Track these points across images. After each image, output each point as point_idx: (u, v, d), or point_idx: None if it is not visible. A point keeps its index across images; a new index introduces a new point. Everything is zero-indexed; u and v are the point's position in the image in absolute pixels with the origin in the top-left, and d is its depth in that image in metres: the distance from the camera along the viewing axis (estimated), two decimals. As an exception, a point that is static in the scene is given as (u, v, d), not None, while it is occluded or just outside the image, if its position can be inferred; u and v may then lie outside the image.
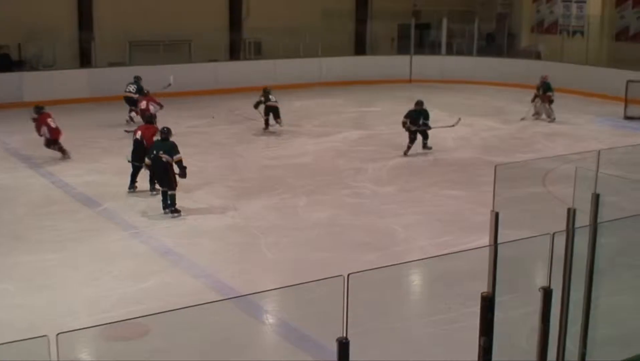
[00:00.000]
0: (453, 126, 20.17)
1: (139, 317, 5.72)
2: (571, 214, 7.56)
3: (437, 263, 10.04)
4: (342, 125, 22.67)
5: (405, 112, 18.93)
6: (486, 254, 6.84)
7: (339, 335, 5.28)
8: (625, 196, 13.27)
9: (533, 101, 23.87)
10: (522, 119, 23.61)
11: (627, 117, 24.05)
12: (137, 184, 15.56)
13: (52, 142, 17.97)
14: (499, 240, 7.28)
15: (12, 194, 15.48)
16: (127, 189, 15.49)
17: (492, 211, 7.61)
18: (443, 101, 26.75)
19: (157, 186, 14.81)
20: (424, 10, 35.35)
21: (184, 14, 29.08)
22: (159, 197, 14.45)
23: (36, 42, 27.06)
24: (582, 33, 32.78)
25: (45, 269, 11.50)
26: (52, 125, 17.90)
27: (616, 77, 26.05)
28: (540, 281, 6.72)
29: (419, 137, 18.93)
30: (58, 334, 4.58)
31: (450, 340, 9.28)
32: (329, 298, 5.38)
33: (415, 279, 11.17)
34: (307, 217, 14.13)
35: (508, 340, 7.11)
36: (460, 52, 33.84)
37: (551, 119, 23.52)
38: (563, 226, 7.52)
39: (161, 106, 20.29)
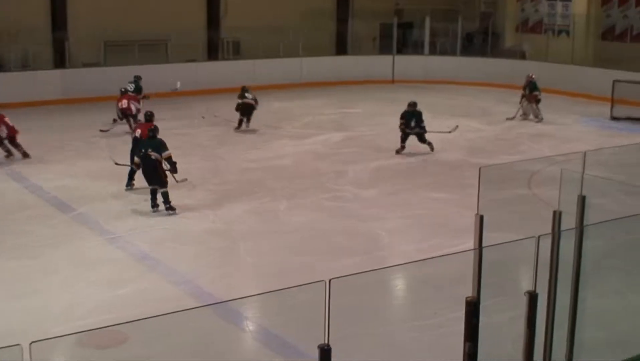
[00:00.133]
0: (450, 132, 20.10)
1: (117, 324, 5.70)
2: (557, 216, 7.61)
3: (421, 267, 10.04)
4: (323, 127, 22.68)
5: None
6: (471, 258, 6.87)
7: (321, 341, 5.29)
8: (611, 198, 13.36)
9: (521, 101, 23.98)
10: (508, 119, 23.72)
11: (613, 118, 24.18)
12: (134, 182, 15.66)
13: (10, 140, 18.04)
14: (484, 243, 7.32)
15: (-16, 199, 15.41)
16: (124, 187, 15.70)
17: (477, 214, 7.65)
18: (426, 102, 26.70)
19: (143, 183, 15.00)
20: (406, 9, 35.41)
21: (161, 13, 29.01)
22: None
23: (8, 42, 26.93)
24: (567, 32, 32.95)
25: (19, 275, 11.44)
26: (10, 123, 18.02)
27: (602, 77, 26.16)
28: (526, 285, 6.75)
29: (415, 139, 19.01)
30: (32, 343, 4.56)
31: (435, 346, 9.30)
32: (311, 303, 5.39)
33: (399, 284, 11.19)
34: (287, 221, 14.13)
35: (493, 345, 7.14)
36: (443, 52, 33.94)
37: (538, 119, 23.63)
38: (549, 229, 7.56)
39: (140, 104, 20.84)
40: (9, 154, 18.17)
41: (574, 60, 30.23)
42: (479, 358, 6.42)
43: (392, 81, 31.92)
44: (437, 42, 34.22)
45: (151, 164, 14.52)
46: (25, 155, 18.24)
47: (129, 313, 9.59)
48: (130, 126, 21.13)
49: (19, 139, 18.23)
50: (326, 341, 5.28)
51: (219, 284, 11.16)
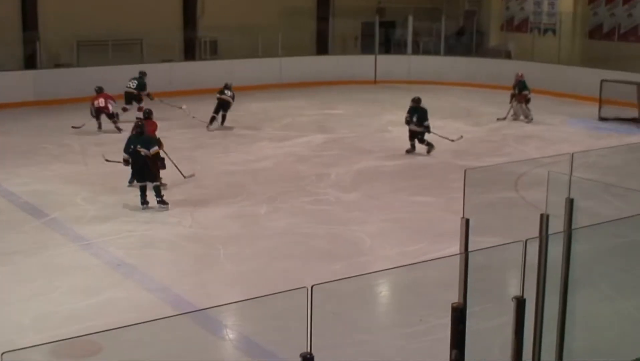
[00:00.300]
0: (453, 140, 20.09)
1: (91, 334, 5.68)
2: (544, 220, 7.63)
3: (405, 273, 10.07)
4: (304, 128, 22.68)
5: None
6: (457, 262, 6.88)
7: (303, 350, 5.28)
8: (600, 200, 13.40)
9: (511, 101, 24.06)
10: (499, 119, 23.80)
11: (601, 119, 24.29)
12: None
13: None
14: (470, 248, 7.33)
15: (-48, 205, 15.32)
16: (126, 183, 15.85)
17: (463, 217, 7.66)
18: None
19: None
20: (388, 7, 35.45)
21: (135, 12, 28.91)
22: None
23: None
24: (553, 31, 33.07)
25: (-11, 284, 11.39)
26: None
27: (590, 77, 26.30)
28: (513, 290, 6.76)
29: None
30: (3, 353, 4.53)
31: (420, 353, 9.30)
32: (292, 311, 5.39)
33: (383, 290, 11.19)
34: (268, 226, 14.11)
35: (480, 353, 7.15)
36: (427, 52, 34.02)
37: (528, 119, 23.74)
38: (536, 233, 7.58)
39: (114, 103, 21.44)
40: None
41: (561, 59, 30.36)
42: (465, 366, 6.43)
43: (375, 82, 31.95)
44: (421, 42, 34.30)
45: (141, 160, 14.85)
46: None
47: (103, 322, 9.55)
48: (100, 125, 21.59)
49: None
50: (309, 350, 5.27)
51: (197, 292, 11.12)
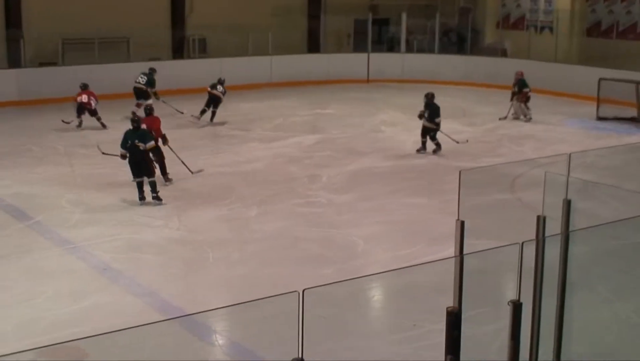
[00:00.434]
0: (458, 142, 20.12)
1: (76, 340, 5.66)
2: (541, 222, 7.64)
3: (399, 277, 10.07)
4: (295, 129, 22.68)
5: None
6: (452, 266, 6.89)
7: (294, 355, 5.28)
8: (598, 202, 13.42)
9: (511, 99, 24.10)
10: (501, 119, 23.84)
11: (599, 118, 24.34)
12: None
13: None
14: (465, 251, 7.34)
15: None
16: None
17: (458, 219, 7.67)
18: (403, 102, 26.88)
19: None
20: (381, 4, 35.50)
21: (122, 9, 28.91)
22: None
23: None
24: (550, 28, 33.14)
25: (-29, 289, 11.36)
26: None
27: (588, 75, 26.33)
28: (509, 294, 6.77)
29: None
30: (-15, 361, 4.53)
31: (414, 359, 9.30)
32: (283, 315, 5.38)
33: (376, 294, 11.20)
34: (258, 229, 14.10)
35: (476, 358, 7.16)
36: (421, 50, 34.01)
37: (527, 118, 23.79)
38: (533, 235, 7.59)
39: (97, 101, 21.80)
40: None
41: (558, 58, 30.43)
42: (460, 372, 6.44)
43: (367, 81, 31.98)
44: (414, 40, 34.31)
45: (140, 154, 15.26)
46: None
47: (89, 328, 9.54)
48: (80, 123, 21.83)
49: None
50: (300, 356, 5.28)
51: (186, 296, 11.11)
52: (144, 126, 16.18)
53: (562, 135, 22.27)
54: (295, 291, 5.17)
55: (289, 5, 33.32)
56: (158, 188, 15.43)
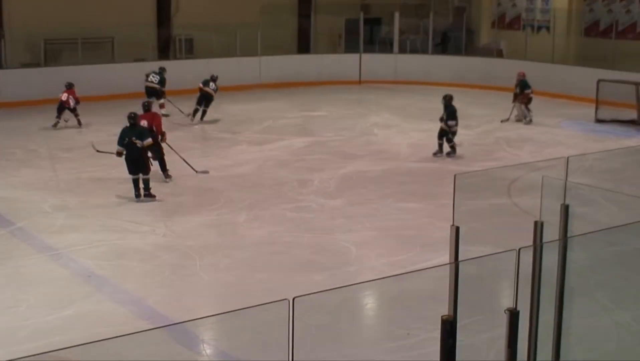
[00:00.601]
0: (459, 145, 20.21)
1: (59, 350, 5.65)
2: (538, 227, 7.66)
3: (393, 284, 10.07)
4: (285, 131, 22.68)
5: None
6: (446, 273, 6.89)
7: (285, 365, 5.28)
8: (597, 207, 13.46)
9: (513, 101, 24.13)
10: (503, 121, 23.86)
11: (598, 120, 24.37)
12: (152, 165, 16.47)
13: None
14: (460, 257, 7.35)
15: None
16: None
17: (452, 225, 7.68)
18: (396, 104, 26.95)
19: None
20: (373, 3, 35.52)
21: (106, 9, 28.85)
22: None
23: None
24: (547, 28, 33.21)
25: (-50, 297, 11.33)
26: None
27: (586, 77, 26.39)
28: (506, 301, 6.78)
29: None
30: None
31: (408, 369, 9.32)
32: (273, 324, 5.38)
33: (369, 302, 11.20)
34: (247, 234, 14.09)
35: (472, 368, 7.17)
36: (414, 50, 34.04)
37: (527, 120, 23.82)
38: (530, 241, 7.61)
39: (78, 102, 22.23)
40: None
41: (555, 58, 30.48)
42: (456, 382, 6.44)
43: (359, 82, 32.00)
44: (408, 40, 34.34)
45: (137, 151, 15.63)
46: None
47: (73, 337, 9.53)
48: (56, 123, 22.18)
49: None
50: (290, 366, 5.28)
51: (173, 305, 11.09)
52: (144, 122, 16.48)
53: (559, 138, 22.31)
54: (286, 299, 5.17)
55: (278, 4, 33.31)
56: (155, 184, 15.74)
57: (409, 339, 9.86)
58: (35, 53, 28.33)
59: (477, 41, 35.65)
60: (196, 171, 17.51)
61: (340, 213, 15.28)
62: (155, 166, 16.65)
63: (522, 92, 23.96)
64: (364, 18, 33.21)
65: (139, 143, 15.60)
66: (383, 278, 10.84)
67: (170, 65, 27.52)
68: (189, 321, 9.50)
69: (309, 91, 29.80)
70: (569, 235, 7.86)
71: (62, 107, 22.13)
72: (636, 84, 24.34)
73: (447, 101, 19.71)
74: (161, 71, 24.23)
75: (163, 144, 17.19)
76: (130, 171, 15.74)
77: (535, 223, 7.69)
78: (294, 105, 27.22)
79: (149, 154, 16.21)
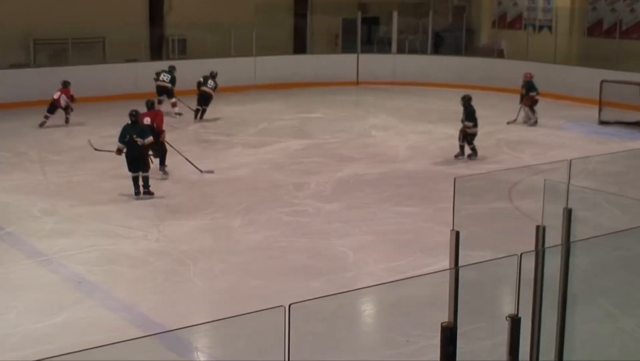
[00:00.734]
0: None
1: (48, 358, 5.64)
2: (540, 232, 7.67)
3: (391, 290, 10.08)
4: (281, 134, 22.69)
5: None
6: (446, 278, 6.90)
7: (281, 373, 5.29)
8: (600, 210, 13.47)
9: (520, 103, 24.12)
10: (509, 123, 23.84)
11: (601, 122, 24.38)
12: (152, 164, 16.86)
13: None
14: (460, 262, 7.35)
15: None
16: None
17: (452, 229, 7.68)
18: (395, 105, 26.96)
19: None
20: (371, 2, 35.55)
21: (97, 8, 28.83)
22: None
23: None
24: (549, 28, 33.24)
25: (-63, 304, 11.32)
26: None
27: (589, 77, 26.41)
28: (507, 308, 6.79)
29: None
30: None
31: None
32: (268, 331, 5.38)
33: (367, 308, 11.20)
34: (242, 239, 14.09)
35: (472, 376, 7.18)
36: (413, 50, 34.04)
37: (531, 122, 23.82)
38: (531, 246, 7.61)
39: (73, 100, 22.63)
40: None
41: (557, 58, 30.48)
42: (456, 390, 6.45)
43: (357, 83, 32.02)
44: (406, 40, 34.34)
45: (138, 149, 16.00)
46: None
47: (63, 344, 9.52)
48: (43, 123, 22.48)
49: None
50: (286, 374, 5.28)
51: (165, 311, 11.08)
52: (147, 120, 16.83)
53: (562, 140, 22.32)
54: (282, 305, 5.17)
55: (273, 3, 33.32)
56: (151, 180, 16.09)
57: (408, 346, 9.86)
58: (24, 53, 28.32)
59: (477, 41, 35.68)
60: (201, 171, 17.73)
61: (337, 217, 15.28)
62: (155, 163, 17.02)
63: (527, 94, 23.94)
64: (361, 17, 33.26)
65: (139, 141, 15.93)
66: (381, 283, 10.84)
67: (162, 66, 27.50)
68: (182, 328, 9.49)
69: (305, 92, 29.80)
70: (571, 240, 7.86)
71: (53, 105, 22.41)
72: (640, 84, 24.37)
73: (466, 101, 19.77)
74: (171, 70, 24.71)
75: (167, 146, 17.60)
76: (130, 169, 16.03)
77: (537, 227, 7.70)
78: (289, 106, 27.22)
79: (150, 152, 16.50)
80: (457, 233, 7.60)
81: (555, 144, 21.57)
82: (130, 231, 14.41)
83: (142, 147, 16.04)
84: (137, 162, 15.99)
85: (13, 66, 27.51)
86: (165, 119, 18.63)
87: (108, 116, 23.75)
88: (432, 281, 8.08)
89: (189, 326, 9.73)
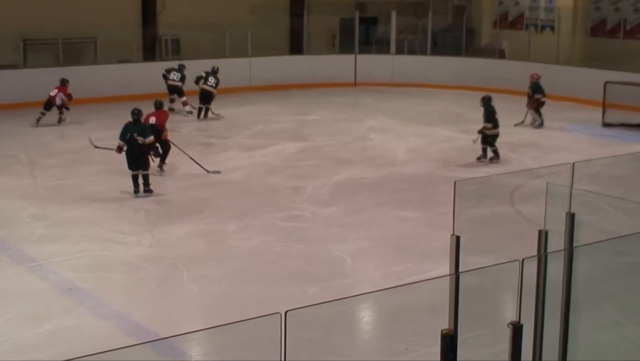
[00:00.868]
0: (474, 141, 20.20)
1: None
2: (543, 236, 7.67)
3: (390, 296, 10.06)
4: (277, 136, 22.68)
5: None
6: (446, 284, 6.89)
7: (277, 382, 5.28)
8: (604, 214, 13.47)
9: (527, 104, 24.13)
10: (517, 125, 23.83)
11: (605, 125, 24.40)
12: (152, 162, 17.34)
13: None
14: (461, 268, 7.35)
15: None
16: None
17: (453, 234, 7.68)
18: (393, 107, 26.95)
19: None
20: (369, 2, 35.58)
21: (88, 7, 28.84)
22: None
23: None
24: (552, 28, 33.27)
25: None
26: None
27: (592, 78, 26.43)
28: (509, 315, 6.79)
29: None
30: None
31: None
32: (264, 339, 5.37)
33: (366, 315, 11.20)
34: (237, 245, 14.08)
35: (473, 384, 7.17)
36: (412, 51, 34.05)
37: (536, 124, 23.83)
38: (534, 251, 7.61)
39: (70, 98, 22.97)
40: None
41: (560, 59, 30.50)
42: (457, 399, 6.44)
43: (354, 84, 32.04)
44: (405, 40, 34.35)
45: (138, 147, 16.40)
46: None
47: (53, 353, 9.52)
48: (37, 121, 22.78)
49: None
50: (282, 382, 5.27)
51: (159, 319, 11.08)
52: (153, 119, 17.37)
53: (564, 143, 22.33)
54: (278, 312, 5.16)
55: (269, 3, 33.34)
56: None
57: (408, 354, 9.85)
58: (14, 54, 28.29)
59: (478, 41, 35.69)
60: (207, 171, 17.99)
61: (335, 222, 15.28)
62: (155, 161, 17.49)
63: (533, 96, 23.95)
64: (359, 17, 33.26)
65: (140, 140, 16.28)
66: (380, 290, 10.81)
67: (155, 67, 27.58)
68: (176, 336, 9.49)
69: (301, 94, 29.80)
70: (574, 245, 7.87)
71: (49, 102, 22.74)
72: (645, 86, 24.39)
73: (486, 102, 19.86)
74: (181, 68, 25.20)
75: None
76: (130, 167, 16.44)
77: (540, 232, 7.70)
78: (286, 108, 27.22)
79: (151, 152, 16.93)
80: (458, 238, 7.60)
81: (558, 147, 21.57)
82: (123, 236, 14.39)
83: (142, 146, 16.37)
84: (137, 160, 16.38)
85: (2, 67, 27.45)
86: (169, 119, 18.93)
87: (100, 118, 23.77)
88: (432, 287, 8.09)
89: (183, 334, 9.71)
